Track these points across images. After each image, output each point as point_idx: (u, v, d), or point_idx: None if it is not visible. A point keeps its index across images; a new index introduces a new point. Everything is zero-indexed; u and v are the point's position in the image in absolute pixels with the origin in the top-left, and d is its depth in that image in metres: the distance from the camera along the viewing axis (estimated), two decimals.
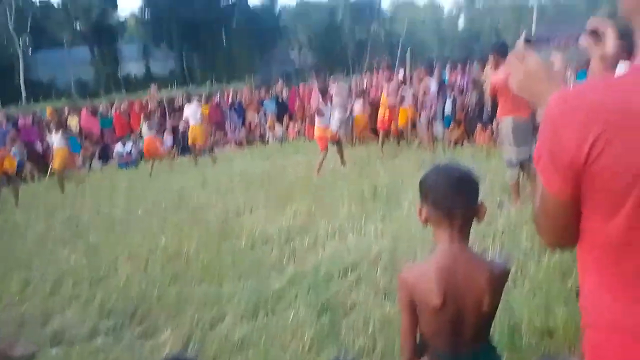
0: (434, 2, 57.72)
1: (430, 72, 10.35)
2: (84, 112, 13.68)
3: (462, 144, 9.16)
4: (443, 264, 1.32)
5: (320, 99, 8.02)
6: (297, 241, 4.66)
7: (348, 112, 9.35)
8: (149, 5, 36.71)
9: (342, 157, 8.21)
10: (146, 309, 3.52)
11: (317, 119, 8.08)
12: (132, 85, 27.70)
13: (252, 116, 13.95)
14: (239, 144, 12.79)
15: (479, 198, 1.37)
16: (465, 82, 9.66)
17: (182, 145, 12.25)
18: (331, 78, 11.01)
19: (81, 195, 8.20)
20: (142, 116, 11.18)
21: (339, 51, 42.80)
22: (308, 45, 41.96)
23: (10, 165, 8.75)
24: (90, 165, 11.72)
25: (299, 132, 13.09)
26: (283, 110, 13.87)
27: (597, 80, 0.89)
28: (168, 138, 12.64)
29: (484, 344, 1.45)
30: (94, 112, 13.42)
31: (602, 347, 0.88)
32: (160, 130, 12.27)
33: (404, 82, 10.09)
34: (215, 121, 13.39)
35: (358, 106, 10.60)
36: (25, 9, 28.72)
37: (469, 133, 9.29)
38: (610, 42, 0.95)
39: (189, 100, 11.67)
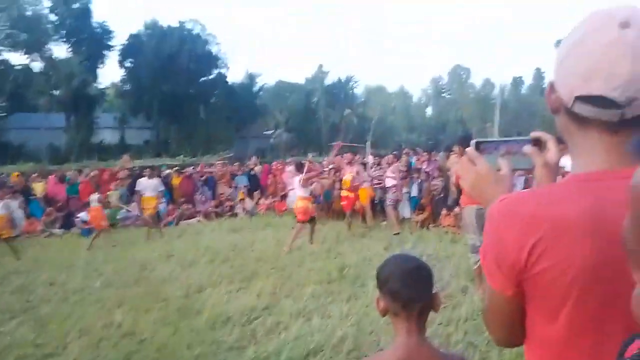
0: (403, 89, 61.09)
1: (398, 157, 10.89)
2: (51, 178, 13.47)
3: (428, 227, 9.36)
4: (401, 358, 1.33)
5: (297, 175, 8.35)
6: (260, 322, 4.54)
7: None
8: (130, 77, 37.58)
9: (312, 234, 8.25)
10: None
11: (300, 190, 8.20)
12: (105, 153, 27.54)
13: (223, 189, 13.99)
14: (208, 216, 12.68)
15: (438, 285, 1.40)
16: (431, 168, 10.07)
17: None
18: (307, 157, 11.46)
19: (37, 263, 7.85)
20: (112, 185, 11.09)
21: (313, 132, 44.19)
22: (284, 124, 43.20)
23: None
24: (52, 231, 11.32)
25: (269, 207, 13.16)
26: (255, 185, 13.99)
27: (536, 189, 0.95)
28: (135, 208, 12.44)
29: None
30: (61, 179, 13.21)
31: None
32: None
33: (365, 165, 10.65)
34: (186, 193, 13.34)
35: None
36: (5, 72, 28.96)
37: (434, 216, 9.54)
38: (552, 152, 1.02)
39: (159, 174, 11.70)
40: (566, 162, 1.01)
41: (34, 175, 13.74)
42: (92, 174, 13.31)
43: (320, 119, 44.57)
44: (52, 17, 33.18)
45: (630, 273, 0.49)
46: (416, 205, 9.80)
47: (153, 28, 38.32)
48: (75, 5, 33.23)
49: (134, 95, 36.94)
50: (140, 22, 38.48)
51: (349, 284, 5.68)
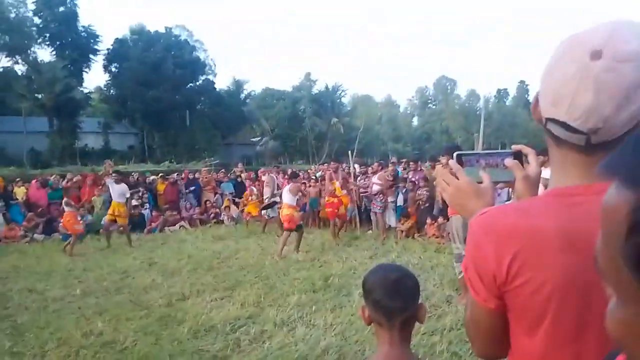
0: (390, 99, 61.61)
1: (384, 166, 10.97)
2: (33, 183, 13.22)
3: (413, 236, 9.39)
4: None
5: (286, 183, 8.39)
6: (243, 330, 4.49)
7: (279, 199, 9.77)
8: (115, 82, 37.26)
9: (298, 243, 8.21)
10: None
11: (287, 198, 8.17)
12: (89, 158, 27.19)
13: (208, 196, 13.90)
14: (192, 223, 12.56)
15: (423, 294, 1.40)
16: (417, 178, 10.13)
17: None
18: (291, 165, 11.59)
19: (15, 270, 7.67)
20: (96, 190, 10.91)
21: (300, 140, 44.25)
22: (270, 132, 43.19)
23: None
24: (32, 237, 11.10)
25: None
26: (241, 192, 13.91)
27: (514, 203, 0.96)
28: None
29: None
30: (43, 184, 12.98)
31: None
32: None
33: (351, 175, 10.76)
34: (170, 200, 13.22)
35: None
36: None
37: (419, 225, 9.58)
38: (532, 165, 1.03)
39: (144, 180, 11.52)
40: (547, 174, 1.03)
41: (16, 180, 13.48)
42: (74, 179, 13.11)
43: (307, 127, 44.63)
44: (37, 20, 32.80)
45: (604, 287, 0.50)
46: (401, 214, 9.84)
47: (139, 33, 38.16)
48: (60, 9, 32.90)
49: (119, 100, 36.62)
50: (126, 27, 38.18)
51: (334, 293, 5.66)
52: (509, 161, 1.04)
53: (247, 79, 56.73)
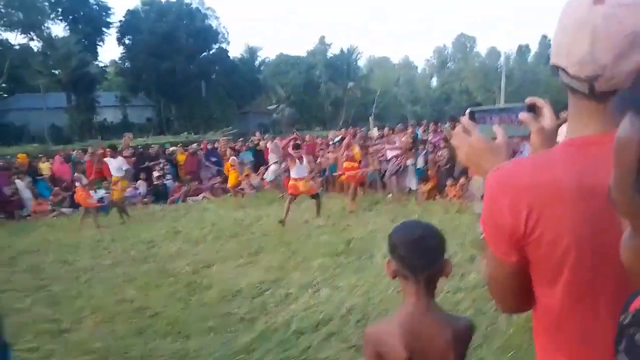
0: (408, 60, 60.29)
1: (404, 129, 10.84)
2: (57, 158, 13.50)
3: (434, 198, 9.35)
4: (408, 320, 1.35)
5: (294, 152, 8.26)
6: (269, 294, 4.59)
7: (282, 166, 9.71)
8: (129, 55, 37.22)
9: (319, 209, 8.25)
10: None
11: (293, 170, 8.18)
12: (108, 132, 27.53)
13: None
14: (214, 193, 12.72)
15: (445, 254, 1.40)
16: (437, 140, 10.01)
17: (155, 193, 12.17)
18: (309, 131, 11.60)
19: (47, 243, 7.94)
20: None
21: (316, 106, 43.89)
22: (286, 99, 42.89)
23: None
24: (60, 211, 11.41)
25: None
26: (260, 161, 13.97)
27: (529, 157, 0.95)
28: (142, 186, 12.51)
29: None
30: (66, 159, 13.24)
31: None
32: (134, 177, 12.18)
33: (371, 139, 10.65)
34: (191, 170, 13.37)
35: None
36: (3, 52, 28.70)
37: (440, 187, 9.52)
38: (548, 118, 1.01)
39: (163, 151, 11.59)
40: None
41: (39, 155, 13.79)
42: (98, 152, 13.31)
43: (323, 92, 44.16)
44: None
45: (621, 234, 0.52)
46: (421, 176, 9.78)
47: (151, 4, 37.75)
48: None
49: (134, 73, 36.64)
50: None
51: (356, 256, 5.72)
52: (523, 115, 1.02)
53: (261, 46, 56.11)
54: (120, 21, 36.89)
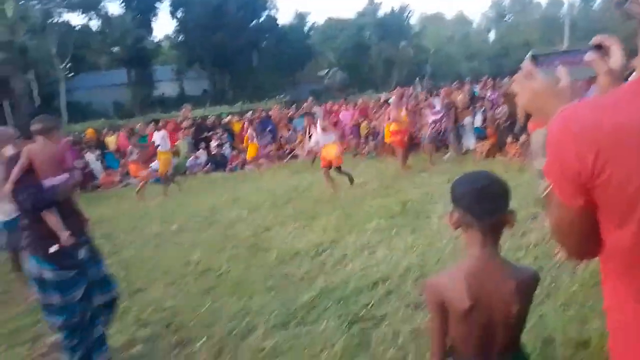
0: (462, 15, 57.44)
1: (460, 87, 10.43)
2: (121, 133, 14.20)
3: (494, 157, 9.05)
4: (473, 268, 1.34)
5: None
6: (326, 255, 4.70)
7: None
8: (182, 28, 37.87)
9: (349, 177, 7.97)
10: (180, 320, 3.62)
11: (321, 136, 7.90)
12: (166, 105, 28.46)
13: (282, 133, 14.19)
14: (270, 160, 12.98)
15: (510, 207, 1.37)
16: (495, 96, 9.58)
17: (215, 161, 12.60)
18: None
19: (117, 212, 8.48)
20: (179, 134, 11.49)
21: (367, 69, 42.99)
22: (337, 64, 42.27)
23: None
24: (128, 182, 12.10)
25: None
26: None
27: (595, 98, 0.90)
28: (202, 155, 12.97)
29: (515, 352, 1.45)
30: (130, 133, 13.90)
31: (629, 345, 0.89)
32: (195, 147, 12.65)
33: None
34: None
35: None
36: (67, 35, 30.07)
37: (500, 145, 9.18)
38: (616, 56, 0.95)
39: (220, 122, 11.84)
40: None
41: (105, 130, 14.57)
42: (160, 124, 13.88)
43: (374, 54, 43.08)
44: None
45: None
46: (480, 135, 9.45)
47: None
48: None
49: (188, 46, 37.32)
50: None
51: (411, 217, 5.70)
52: (589, 55, 0.96)
53: (309, 11, 55.19)
54: None
